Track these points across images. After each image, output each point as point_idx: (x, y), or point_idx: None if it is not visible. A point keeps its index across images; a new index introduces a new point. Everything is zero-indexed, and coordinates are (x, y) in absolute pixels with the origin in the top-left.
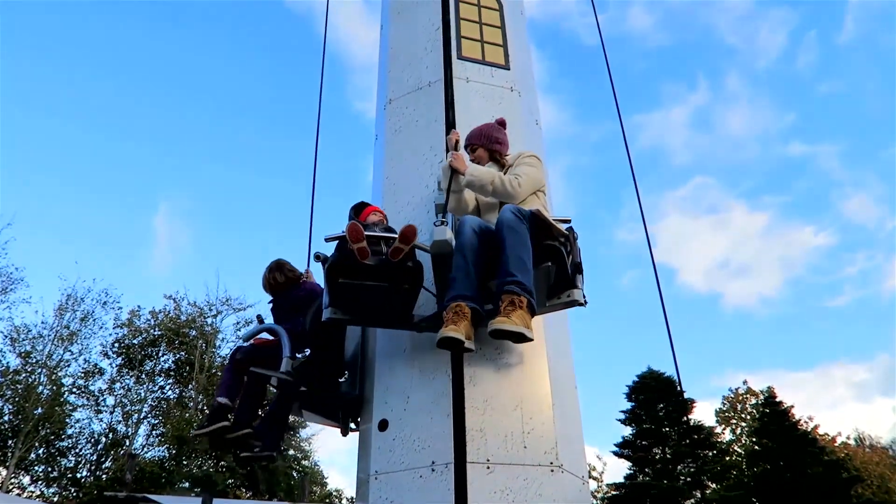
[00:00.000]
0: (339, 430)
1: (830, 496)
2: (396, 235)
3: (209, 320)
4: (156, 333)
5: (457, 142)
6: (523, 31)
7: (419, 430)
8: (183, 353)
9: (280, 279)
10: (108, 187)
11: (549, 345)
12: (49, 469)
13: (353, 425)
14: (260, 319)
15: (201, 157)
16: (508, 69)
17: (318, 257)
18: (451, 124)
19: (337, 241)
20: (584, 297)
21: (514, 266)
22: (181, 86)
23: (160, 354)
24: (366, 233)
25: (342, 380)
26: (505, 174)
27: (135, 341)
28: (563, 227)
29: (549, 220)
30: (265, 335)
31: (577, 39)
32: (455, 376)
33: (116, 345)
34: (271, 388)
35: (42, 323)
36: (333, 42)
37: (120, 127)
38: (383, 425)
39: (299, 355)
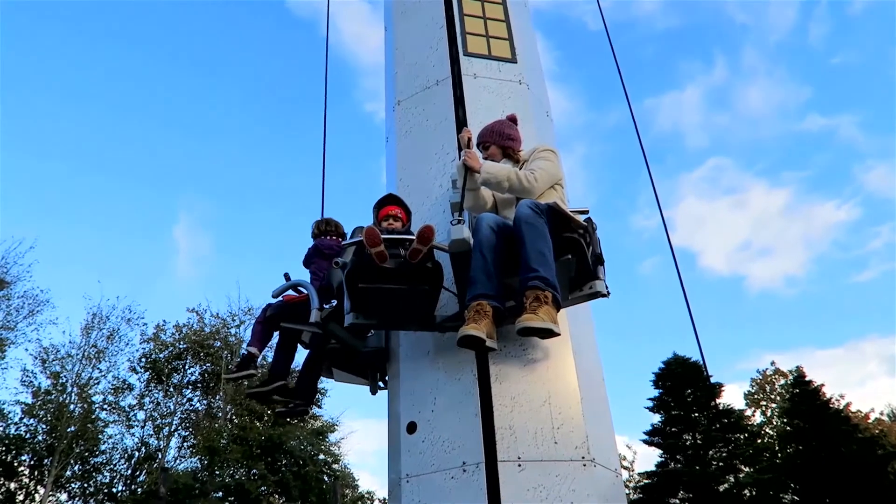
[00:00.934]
0: (368, 388)
1: (866, 474)
2: (414, 237)
3: (233, 331)
4: (181, 347)
5: (469, 139)
6: (528, 23)
7: (448, 430)
8: (209, 365)
9: (322, 228)
10: (125, 202)
11: (573, 338)
12: (85, 485)
13: (381, 383)
14: (287, 277)
15: (216, 165)
16: (515, 62)
17: (336, 264)
18: (461, 122)
19: (355, 247)
20: (607, 287)
21: (536, 261)
22: (195, 95)
23: (186, 367)
24: (383, 236)
25: (370, 334)
26: (520, 170)
27: (161, 355)
28: (581, 218)
29: (567, 213)
30: (293, 293)
31: (583, 26)
32: (481, 375)
33: (143, 360)
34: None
35: (70, 343)
36: (339, 45)
37: (134, 139)
38: (412, 428)
39: (327, 306)
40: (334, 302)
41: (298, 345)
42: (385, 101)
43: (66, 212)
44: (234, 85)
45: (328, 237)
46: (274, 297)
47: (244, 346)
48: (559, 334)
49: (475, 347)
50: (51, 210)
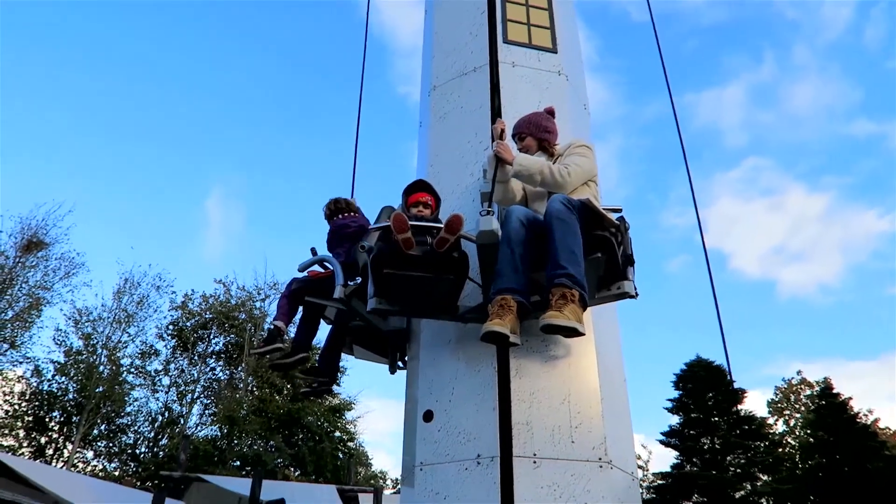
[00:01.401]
0: (387, 366)
1: (892, 493)
2: (442, 225)
3: (257, 304)
4: (207, 317)
5: (502, 130)
6: (571, 12)
7: (465, 422)
8: (233, 336)
9: (332, 207)
10: (161, 172)
11: (597, 337)
12: (110, 445)
13: (400, 363)
14: (314, 252)
15: (252, 139)
16: (556, 52)
17: (363, 248)
18: (496, 110)
19: (381, 231)
20: (635, 289)
21: (565, 258)
22: (234, 68)
23: (211, 337)
24: (411, 223)
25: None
26: (554, 164)
27: (188, 324)
28: (613, 216)
29: (600, 210)
30: (319, 268)
31: (626, 17)
32: (501, 369)
33: (171, 327)
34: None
35: (102, 306)
36: (376, 24)
37: (173, 110)
38: (428, 416)
39: (351, 283)
40: (359, 279)
41: (321, 321)
42: (420, 85)
43: (105, 178)
44: (271, 59)
45: (340, 216)
46: (300, 271)
47: (268, 320)
48: (584, 334)
49: (498, 343)
50: (90, 175)
